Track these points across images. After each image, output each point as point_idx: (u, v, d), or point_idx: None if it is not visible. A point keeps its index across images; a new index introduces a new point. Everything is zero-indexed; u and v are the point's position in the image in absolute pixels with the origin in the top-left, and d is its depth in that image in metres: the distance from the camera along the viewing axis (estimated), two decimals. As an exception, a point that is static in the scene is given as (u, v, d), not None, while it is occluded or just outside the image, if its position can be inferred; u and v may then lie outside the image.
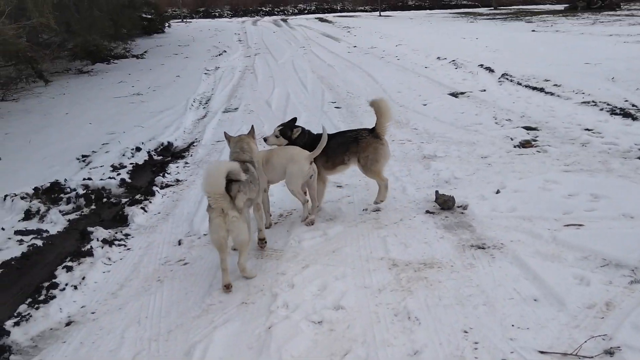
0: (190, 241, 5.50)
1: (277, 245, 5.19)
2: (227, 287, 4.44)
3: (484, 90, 11.52)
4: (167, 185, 7.30)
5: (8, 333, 4.10)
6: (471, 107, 10.20)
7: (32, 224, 6.18)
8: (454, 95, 11.42)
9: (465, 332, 3.60)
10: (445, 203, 5.60)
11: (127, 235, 5.81)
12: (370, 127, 5.74)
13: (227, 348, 3.71)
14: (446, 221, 5.34)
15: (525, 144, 7.57)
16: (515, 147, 7.51)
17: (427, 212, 5.57)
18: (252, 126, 5.47)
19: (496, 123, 8.88)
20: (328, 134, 5.55)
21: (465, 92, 11.53)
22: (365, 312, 3.95)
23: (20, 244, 5.65)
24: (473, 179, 6.37)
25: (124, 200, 6.87)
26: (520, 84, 11.72)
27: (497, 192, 5.86)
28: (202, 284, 4.62)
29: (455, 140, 8.03)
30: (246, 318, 4.06)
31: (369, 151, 5.55)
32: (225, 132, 5.46)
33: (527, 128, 8.36)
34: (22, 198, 6.70)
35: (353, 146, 5.61)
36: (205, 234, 5.59)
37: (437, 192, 5.76)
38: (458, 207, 5.62)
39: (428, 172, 6.74)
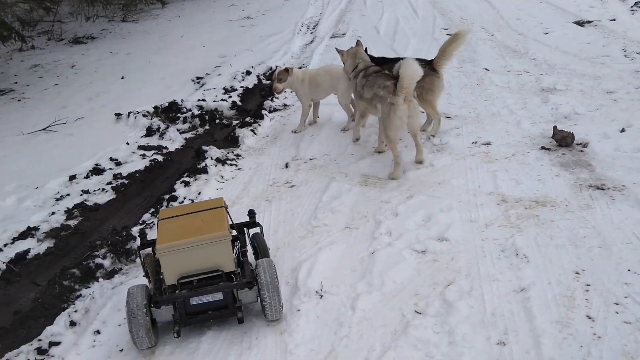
0: (297, 165, 5.64)
1: (382, 173, 5.19)
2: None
3: (614, 20, 10.43)
4: (275, 110, 7.45)
5: (134, 238, 4.50)
6: (598, 37, 9.32)
7: (153, 140, 6.61)
8: (580, 23, 10.45)
9: (577, 273, 3.47)
10: (563, 139, 5.28)
11: (238, 155, 6.06)
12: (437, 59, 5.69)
13: (330, 269, 3.85)
14: (563, 159, 5.05)
15: (659, 80, 6.86)
16: (646, 82, 6.83)
17: (543, 148, 5.29)
18: (358, 40, 6.05)
19: (625, 56, 8.07)
20: (387, 58, 5.84)
21: (592, 21, 10.51)
22: (470, 245, 3.91)
23: (143, 158, 6.08)
24: (596, 115, 5.91)
25: (235, 122, 7.13)
26: (658, 13, 10.49)
27: (622, 130, 5.42)
28: (307, 207, 4.76)
29: (578, 72, 7.43)
30: (350, 242, 4.16)
31: (425, 81, 5.36)
32: (336, 48, 6.02)
33: (663, 62, 7.54)
34: (144, 115, 7.15)
35: None
36: (311, 158, 5.70)
37: (555, 127, 5.43)
38: (577, 144, 5.28)
39: (546, 106, 6.34)
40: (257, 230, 3.94)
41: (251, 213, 3.97)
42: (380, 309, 3.39)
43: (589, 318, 3.10)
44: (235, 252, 3.51)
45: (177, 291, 3.25)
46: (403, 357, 2.98)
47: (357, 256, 3.96)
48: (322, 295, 3.57)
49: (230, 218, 3.49)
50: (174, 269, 3.25)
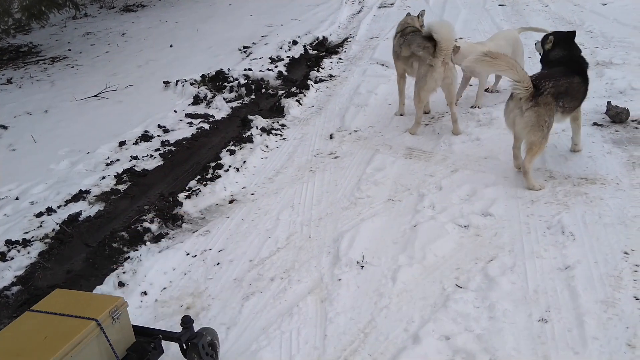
0: (341, 136, 5.65)
1: (427, 147, 5.14)
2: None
3: (682, -12, 9.88)
4: (321, 80, 7.43)
5: (181, 204, 4.63)
6: (662, 8, 8.86)
7: (200, 109, 6.72)
8: (642, -7, 9.95)
9: (626, 253, 3.38)
10: (617, 115, 5.09)
11: (283, 125, 6.11)
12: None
13: (372, 240, 3.87)
14: (616, 135, 4.88)
15: None
16: None
17: (595, 124, 5.12)
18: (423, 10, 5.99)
19: (692, 28, 7.67)
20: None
21: (656, -10, 9.98)
22: (515, 221, 3.85)
23: (190, 126, 6.20)
24: (654, 91, 5.66)
25: (280, 92, 7.16)
26: None
27: (683, 107, 5.18)
28: (351, 178, 4.77)
29: (637, 45, 7.10)
30: (392, 214, 4.16)
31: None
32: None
33: None
34: (192, 84, 7.27)
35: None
36: (356, 130, 5.70)
37: (609, 102, 5.23)
38: (632, 120, 5.08)
39: (600, 80, 6.10)
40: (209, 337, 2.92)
41: (185, 321, 2.89)
42: (421, 282, 3.40)
43: (637, 299, 3.02)
44: None
45: None
46: (442, 329, 2.99)
47: (399, 229, 3.97)
48: (363, 266, 3.60)
49: (107, 337, 2.57)
50: None
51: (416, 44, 5.22)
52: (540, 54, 4.68)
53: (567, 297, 3.10)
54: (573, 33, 4.55)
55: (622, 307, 2.98)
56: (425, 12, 6.01)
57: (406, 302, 3.25)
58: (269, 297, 3.44)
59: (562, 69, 4.27)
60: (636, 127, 4.97)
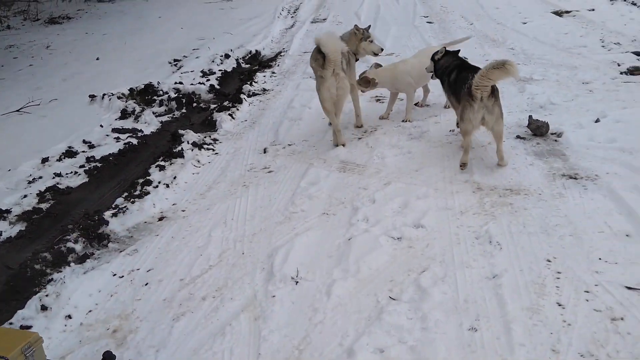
0: (275, 150, 5.62)
1: (360, 160, 5.20)
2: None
3: (593, 10, 10.54)
4: (254, 94, 7.39)
5: (107, 223, 4.45)
6: (576, 27, 9.41)
7: (128, 123, 6.51)
8: (558, 13, 10.54)
9: (549, 261, 3.52)
10: (538, 129, 5.33)
11: (215, 140, 6.01)
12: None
13: (307, 254, 3.85)
14: (537, 148, 5.11)
15: (633, 71, 6.94)
16: (622, 73, 6.91)
17: (518, 137, 5.34)
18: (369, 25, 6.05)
19: (603, 47, 8.16)
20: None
21: (570, 11, 10.61)
22: (445, 232, 3.94)
23: (117, 142, 6.00)
24: (571, 105, 5.98)
25: (212, 106, 7.06)
26: (634, 4, 10.61)
27: (597, 121, 5.48)
28: (285, 192, 4.74)
29: (555, 63, 7.50)
30: (327, 228, 4.16)
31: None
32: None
33: (638, 54, 7.64)
34: (119, 98, 7.05)
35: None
36: (290, 144, 5.69)
37: (530, 116, 5.48)
38: (552, 134, 5.34)
39: (522, 95, 6.39)
40: None
41: (105, 358, 2.87)
42: (355, 295, 3.41)
43: (560, 305, 3.15)
44: None
45: None
46: (376, 342, 3.00)
47: (333, 242, 3.97)
48: (297, 282, 3.57)
49: None
50: None
51: (311, 57, 5.37)
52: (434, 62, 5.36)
53: (495, 306, 3.19)
54: (458, 50, 5.46)
55: (546, 314, 3.09)
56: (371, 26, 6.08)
57: (341, 317, 3.24)
58: (200, 317, 3.35)
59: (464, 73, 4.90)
60: (555, 140, 5.22)
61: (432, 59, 5.38)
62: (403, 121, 5.93)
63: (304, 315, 3.28)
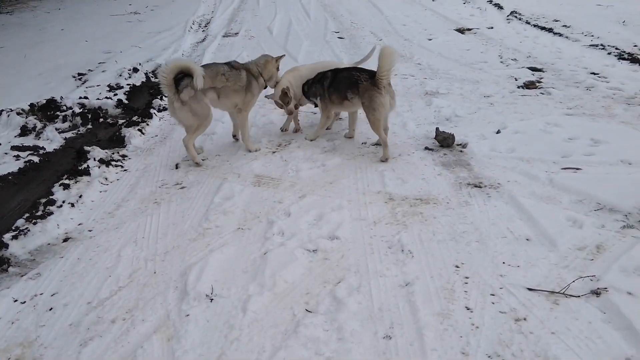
0: (187, 165, 5.50)
1: (275, 174, 5.19)
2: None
3: (492, 28, 11.24)
4: (165, 109, 7.20)
5: (7, 246, 4.15)
6: (477, 44, 9.98)
7: (29, 140, 6.14)
8: (461, 31, 11.14)
9: (457, 267, 3.67)
10: (444, 140, 5.58)
11: (124, 156, 5.79)
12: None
13: (222, 271, 3.77)
14: (444, 158, 5.33)
15: (529, 85, 7.46)
16: (519, 87, 7.40)
17: (426, 148, 5.55)
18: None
19: (501, 62, 8.71)
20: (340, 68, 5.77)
21: (472, 29, 11.25)
22: (359, 243, 4.01)
23: (17, 160, 5.63)
24: (474, 117, 6.31)
25: (120, 121, 6.81)
26: (529, 23, 11.42)
27: (498, 132, 5.82)
28: (198, 208, 4.64)
29: (459, 77, 7.90)
30: (242, 243, 4.11)
31: (365, 97, 5.27)
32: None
33: (533, 69, 8.21)
34: (18, 114, 6.63)
35: (354, 87, 5.33)
36: (203, 159, 5.59)
37: (437, 129, 5.72)
38: (457, 145, 5.60)
39: (429, 108, 6.67)
40: None
41: None
42: (272, 310, 3.38)
43: (468, 309, 3.28)
44: None
45: None
46: (293, 356, 2.99)
47: (249, 257, 3.92)
48: (212, 299, 3.49)
49: None
50: None
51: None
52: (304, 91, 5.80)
53: (408, 313, 3.27)
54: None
55: (456, 318, 3.21)
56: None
57: (257, 332, 3.20)
58: (110, 341, 3.19)
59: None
60: (461, 151, 5.48)
61: (303, 89, 5.79)
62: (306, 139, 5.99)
63: (219, 333, 3.20)
